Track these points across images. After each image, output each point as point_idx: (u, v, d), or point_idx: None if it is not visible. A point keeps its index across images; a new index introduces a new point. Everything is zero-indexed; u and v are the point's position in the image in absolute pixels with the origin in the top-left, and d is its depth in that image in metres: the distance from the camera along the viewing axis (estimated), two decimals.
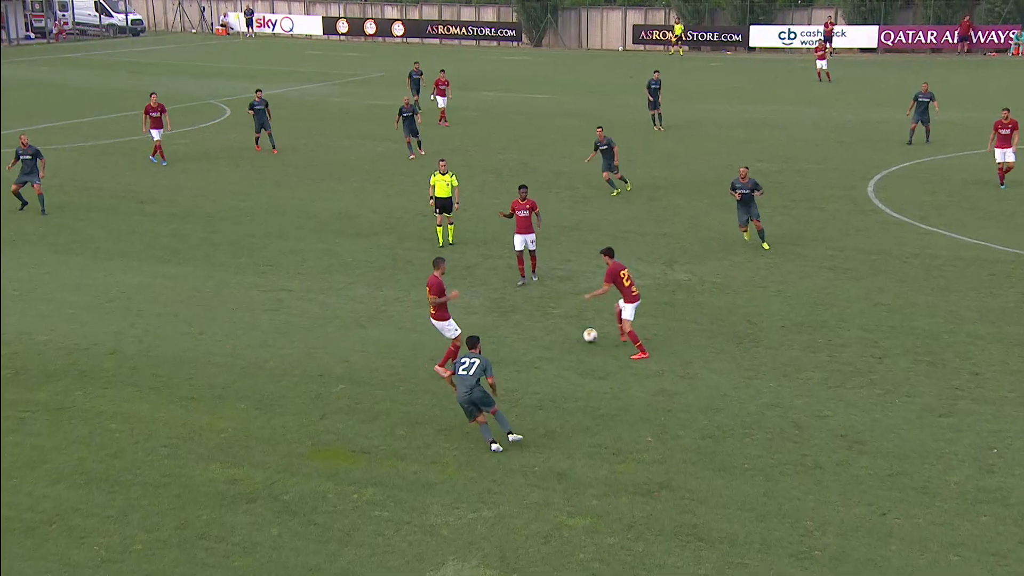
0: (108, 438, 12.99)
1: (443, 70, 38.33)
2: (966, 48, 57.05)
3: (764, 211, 24.62)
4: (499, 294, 18.71)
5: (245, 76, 50.91)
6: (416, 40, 71.27)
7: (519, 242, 19.14)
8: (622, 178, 26.34)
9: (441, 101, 36.96)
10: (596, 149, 25.73)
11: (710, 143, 33.21)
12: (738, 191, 21.09)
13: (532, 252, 19.32)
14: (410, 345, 16.37)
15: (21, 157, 24.16)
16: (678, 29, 61.93)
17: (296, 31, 74.31)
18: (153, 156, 29.55)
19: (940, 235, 22.06)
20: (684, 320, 17.35)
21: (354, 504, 11.62)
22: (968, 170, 28.06)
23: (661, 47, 64.27)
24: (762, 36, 61.83)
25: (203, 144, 32.97)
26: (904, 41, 58.71)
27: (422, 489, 11.96)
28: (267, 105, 31.08)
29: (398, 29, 71.93)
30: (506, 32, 69.40)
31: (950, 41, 57.75)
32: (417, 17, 72.71)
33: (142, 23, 74.05)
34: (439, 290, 14.87)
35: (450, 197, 21.58)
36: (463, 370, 12.99)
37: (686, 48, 62.15)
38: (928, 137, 31.65)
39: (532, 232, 19.14)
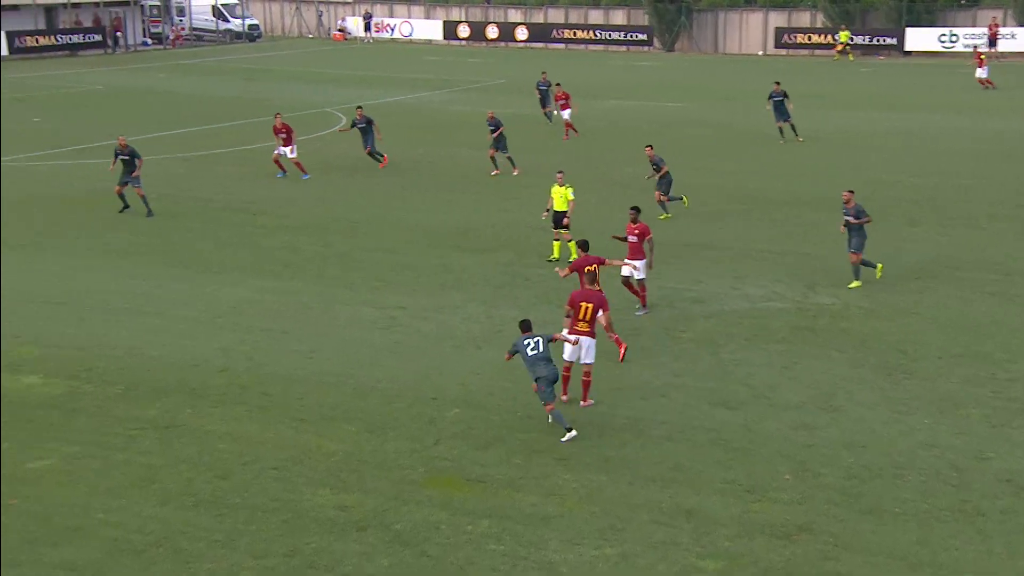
0: (216, 459, 13.38)
1: (559, 84, 38.45)
2: None
3: (919, 229, 23.82)
4: (623, 315, 18.60)
5: (361, 83, 52.12)
6: (540, 45, 71.76)
7: (624, 269, 18.74)
8: (670, 199, 25.20)
9: (565, 114, 37.00)
10: (655, 169, 25.13)
11: (858, 154, 32.41)
12: (844, 217, 19.94)
13: (640, 281, 18.75)
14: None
15: (119, 157, 25.52)
16: (844, 36, 60.64)
17: (415, 36, 75.71)
18: (282, 172, 30.20)
19: None
20: (827, 347, 16.93)
21: (468, 536, 11.67)
22: None
23: (806, 51, 63.13)
24: (920, 39, 60.13)
25: (317, 154, 33.80)
26: None
27: (540, 523, 11.94)
28: (370, 122, 31.28)
29: (521, 33, 72.57)
30: (636, 36, 69.26)
31: None
32: (542, 20, 73.22)
33: (259, 28, 76.60)
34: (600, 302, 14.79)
35: (566, 211, 21.61)
36: (532, 351, 13.96)
37: (856, 53, 60.71)
38: None
39: (641, 259, 18.56)
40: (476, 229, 24.67)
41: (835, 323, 18.03)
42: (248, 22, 75.23)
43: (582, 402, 14.86)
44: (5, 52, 57.62)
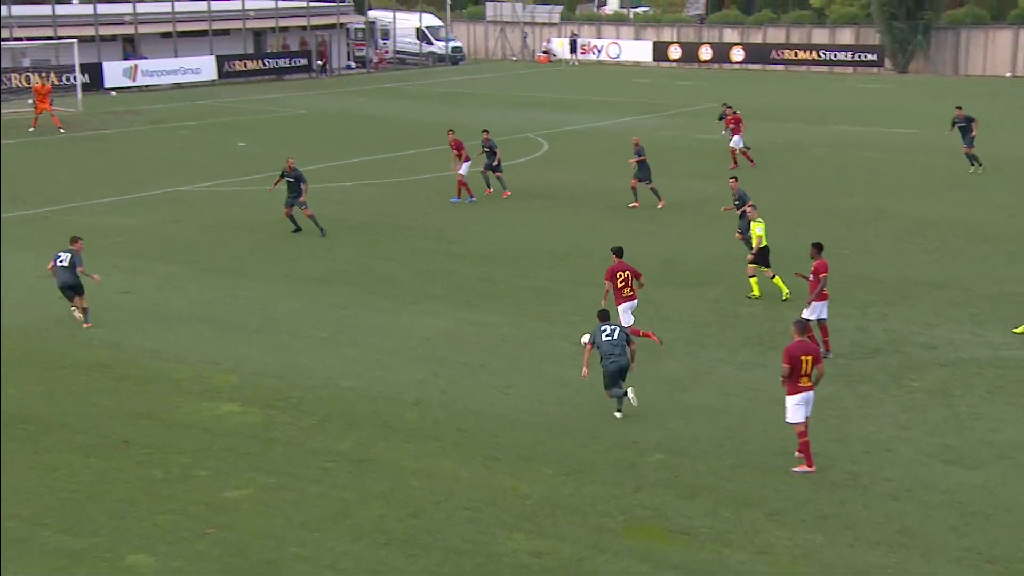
0: (409, 495, 13.66)
1: (730, 105, 37.50)
2: None
3: None
4: (844, 360, 17.97)
5: (566, 107, 52.72)
6: (757, 66, 70.86)
7: (805, 311, 18.21)
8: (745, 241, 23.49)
9: (735, 140, 35.86)
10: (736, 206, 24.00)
11: None
12: None
13: (821, 322, 18.17)
14: (738, 413, 16.04)
15: (285, 178, 26.80)
16: None
17: (623, 58, 76.11)
18: (457, 196, 30.95)
19: None
20: None
21: None
22: None
23: None
24: None
25: (518, 181, 34.29)
26: None
27: None
28: (494, 146, 31.07)
29: (737, 54, 71.85)
30: (865, 56, 67.41)
31: None
32: (760, 40, 72.33)
33: (462, 51, 78.73)
34: (786, 357, 14.13)
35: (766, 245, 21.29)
36: (607, 336, 15.44)
37: None
38: None
39: (825, 299, 18.15)
40: (682, 262, 24.43)
41: None
42: (451, 45, 77.38)
43: (798, 468, 14.20)
44: (215, 76, 61.26)
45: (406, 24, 76.02)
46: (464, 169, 30.75)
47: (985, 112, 45.64)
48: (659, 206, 29.69)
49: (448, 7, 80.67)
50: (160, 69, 59.15)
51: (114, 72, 56.61)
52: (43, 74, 48.12)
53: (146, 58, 59.51)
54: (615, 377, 15.40)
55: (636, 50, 75.95)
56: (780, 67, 69.99)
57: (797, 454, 14.31)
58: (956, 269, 23.05)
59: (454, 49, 77.56)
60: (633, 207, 29.98)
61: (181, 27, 61.15)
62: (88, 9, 60.52)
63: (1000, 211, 28.43)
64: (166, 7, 64.31)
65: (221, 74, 61.81)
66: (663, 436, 15.29)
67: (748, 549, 12.27)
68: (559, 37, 79.13)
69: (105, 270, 23.43)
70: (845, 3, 69.70)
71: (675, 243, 26.19)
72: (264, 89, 60.00)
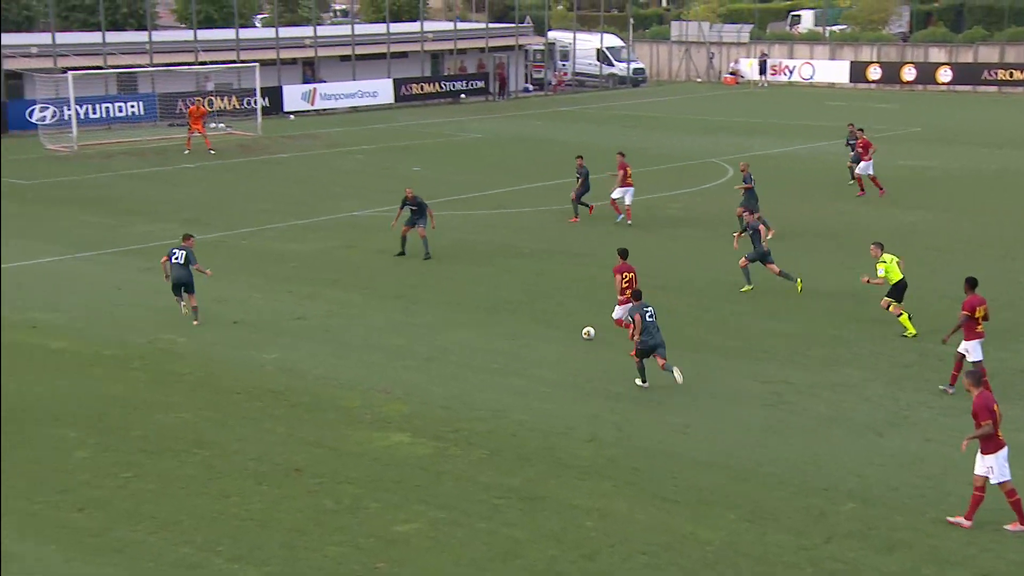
0: (582, 536, 13.65)
1: (861, 129, 36.49)
2: None
3: None
4: None
5: (753, 131, 52.07)
6: (966, 88, 68.52)
7: (961, 346, 18.04)
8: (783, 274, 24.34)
9: (862, 166, 34.95)
10: (744, 230, 24.60)
11: None
12: None
13: (974, 363, 17.87)
14: (940, 461, 15.47)
15: (407, 207, 27.52)
16: None
17: (817, 79, 74.73)
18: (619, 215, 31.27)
19: None
20: None
21: None
22: None
23: None
24: None
25: (697, 208, 34.07)
26: None
27: None
28: (587, 174, 31.53)
29: (944, 75, 69.65)
30: None
31: None
32: (970, 60, 69.91)
33: (644, 72, 78.73)
34: (986, 413, 13.48)
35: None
36: (650, 318, 18.63)
37: None
38: None
39: (974, 339, 17.95)
40: (877, 297, 23.72)
41: None
42: (633, 66, 77.48)
43: (1010, 525, 13.57)
44: (391, 99, 63.00)
45: (586, 45, 76.51)
46: (617, 192, 31.53)
47: None
48: (769, 235, 29.25)
49: (631, 27, 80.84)
50: (338, 92, 61.15)
51: (293, 95, 58.82)
52: (199, 98, 50.28)
53: (325, 81, 61.65)
54: (648, 352, 18.47)
55: (831, 71, 74.43)
56: (993, 88, 67.43)
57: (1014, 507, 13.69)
58: None
59: (636, 71, 77.61)
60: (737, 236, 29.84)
61: (360, 50, 63.12)
62: (270, 32, 63.16)
63: None
64: (345, 30, 66.55)
65: (398, 97, 63.47)
66: (856, 484, 14.87)
67: None
68: (748, 57, 78.28)
69: (279, 295, 24.35)
70: None
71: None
72: (440, 112, 61.33)
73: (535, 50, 74.78)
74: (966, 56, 70.21)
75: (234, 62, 56.10)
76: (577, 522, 13.98)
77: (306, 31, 64.74)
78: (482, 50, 70.02)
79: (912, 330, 21.28)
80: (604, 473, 15.43)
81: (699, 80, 79.90)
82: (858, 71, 73.04)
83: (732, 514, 14.12)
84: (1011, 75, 67.44)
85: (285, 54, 60.46)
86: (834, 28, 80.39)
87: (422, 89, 65.06)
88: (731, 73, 78.44)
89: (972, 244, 29.15)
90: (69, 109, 46.33)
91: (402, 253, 27.69)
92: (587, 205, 32.15)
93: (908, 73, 70.98)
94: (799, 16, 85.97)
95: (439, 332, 22.01)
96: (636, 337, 18.45)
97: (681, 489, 14.88)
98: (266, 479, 15.25)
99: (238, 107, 54.27)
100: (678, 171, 40.47)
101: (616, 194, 31.78)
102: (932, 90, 69.05)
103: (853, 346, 20.75)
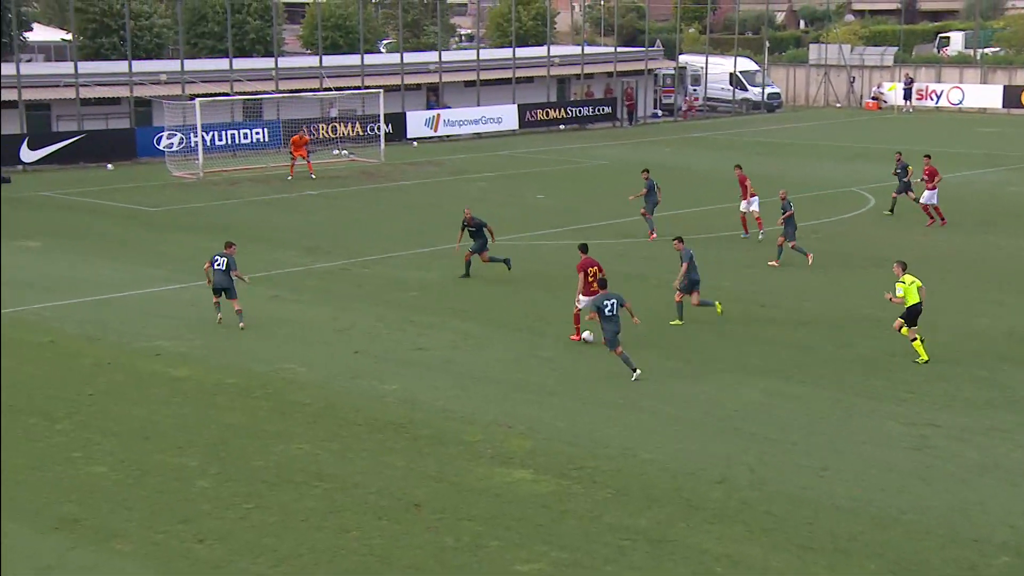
0: None
1: (928, 156, 36.05)
2: None
3: None
4: None
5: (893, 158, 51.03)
6: None
7: None
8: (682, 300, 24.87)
9: (927, 195, 34.90)
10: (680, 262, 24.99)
11: None
12: None
13: None
14: None
15: (467, 229, 28.76)
16: None
17: (966, 104, 73.06)
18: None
19: None
20: None
21: None
22: None
23: None
24: None
25: (837, 240, 33.50)
26: None
27: None
28: (654, 186, 33.31)
29: None
30: None
31: None
32: None
33: (779, 97, 77.92)
34: None
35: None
36: (609, 311, 20.61)
37: None
38: None
39: None
40: None
41: None
42: (768, 90, 76.77)
43: None
44: (516, 126, 63.51)
45: (719, 69, 76.09)
46: (743, 206, 33.10)
47: None
48: (808, 260, 29.69)
49: (766, 50, 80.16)
50: (461, 118, 61.89)
51: (416, 122, 59.72)
52: (303, 128, 51.16)
53: (449, 107, 62.47)
54: (613, 342, 20.84)
55: (982, 95, 72.63)
56: None
57: None
58: None
59: (771, 95, 76.87)
60: (773, 265, 30.12)
61: (485, 75, 63.84)
62: (395, 58, 64.33)
63: None
64: (470, 55, 67.39)
65: (522, 123, 63.94)
66: (1010, 535, 14.39)
67: None
68: (891, 81, 76.88)
69: (400, 325, 24.67)
70: None
71: None
72: (566, 139, 61.57)
73: (665, 74, 74.62)
74: None
75: (358, 88, 57.22)
76: (707, 567, 13.80)
77: (431, 56, 65.75)
78: (610, 75, 70.16)
79: (924, 356, 21.52)
80: (736, 517, 15.21)
81: (839, 105, 78.73)
82: (1012, 96, 71.15)
83: (873, 564, 13.79)
84: None
85: (409, 80, 61.46)
86: (986, 51, 78.48)
87: (547, 115, 65.44)
88: (873, 98, 77.12)
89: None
90: (195, 136, 47.81)
91: (466, 275, 28.73)
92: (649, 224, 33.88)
93: None
94: (948, 38, 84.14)
95: (564, 365, 22.03)
96: (592, 316, 21.00)
97: (818, 536, 14.59)
98: (386, 514, 15.41)
99: (361, 134, 55.31)
100: (816, 200, 39.87)
101: (743, 207, 33.09)
102: None
103: (1007, 389, 20.14)
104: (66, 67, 54.59)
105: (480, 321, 25.10)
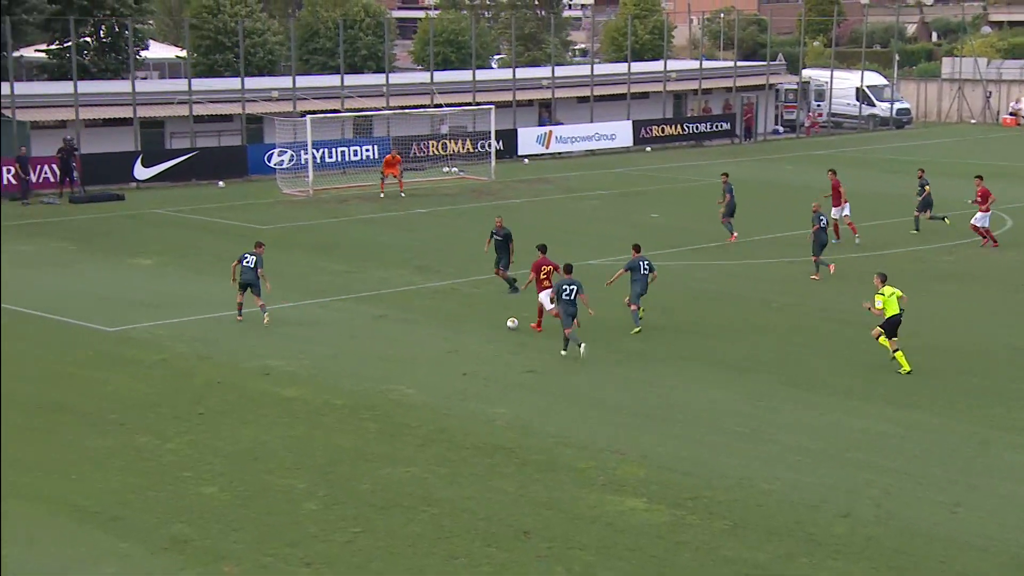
0: None
1: (980, 176, 35.89)
2: None
3: None
4: None
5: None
6: None
7: None
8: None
9: (979, 218, 34.59)
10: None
11: None
12: None
13: None
14: None
15: (494, 237, 29.29)
16: None
17: None
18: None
19: None
20: None
21: None
22: None
23: None
24: None
25: (970, 262, 32.78)
26: None
27: None
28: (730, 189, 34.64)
29: None
30: None
31: None
32: None
33: (909, 113, 76.54)
34: None
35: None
36: (567, 296, 23.46)
37: None
38: None
39: None
40: None
41: None
42: (897, 106, 75.46)
43: None
44: (630, 143, 63.42)
45: (845, 84, 75.02)
46: (835, 212, 35.01)
47: None
48: (831, 270, 30.55)
49: (895, 64, 78.82)
50: (574, 135, 61.98)
51: (528, 138, 59.97)
52: (394, 149, 51.41)
53: (561, 123, 62.64)
54: (567, 320, 23.50)
55: None
56: None
57: None
58: None
59: (900, 111, 75.52)
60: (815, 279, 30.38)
61: (599, 90, 63.91)
62: (506, 73, 64.76)
63: None
64: (584, 70, 67.49)
65: (637, 139, 63.79)
66: None
67: None
68: None
69: (510, 347, 24.76)
70: None
71: None
72: (682, 156, 61.27)
73: (787, 89, 73.82)
74: None
75: (469, 104, 57.70)
76: None
77: (543, 72, 66.02)
78: (729, 90, 69.67)
79: (906, 366, 22.36)
80: (861, 553, 14.94)
81: (973, 121, 77.04)
82: None
83: None
84: None
85: (521, 95, 61.77)
86: None
87: (663, 131, 65.18)
88: (1011, 114, 75.32)
89: None
90: (306, 153, 48.67)
91: (514, 291, 29.01)
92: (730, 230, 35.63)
93: None
94: None
95: (678, 391, 21.89)
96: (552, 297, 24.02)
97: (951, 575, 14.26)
98: (495, 541, 15.47)
99: (472, 150, 55.74)
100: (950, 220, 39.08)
101: (834, 213, 35.04)
102: None
103: None
104: (179, 84, 56.04)
105: (591, 344, 25.07)
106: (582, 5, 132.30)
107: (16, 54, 54.63)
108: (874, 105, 75.16)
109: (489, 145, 53.85)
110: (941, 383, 22.13)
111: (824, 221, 31.10)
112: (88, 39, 60.55)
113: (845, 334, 25.70)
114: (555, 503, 16.72)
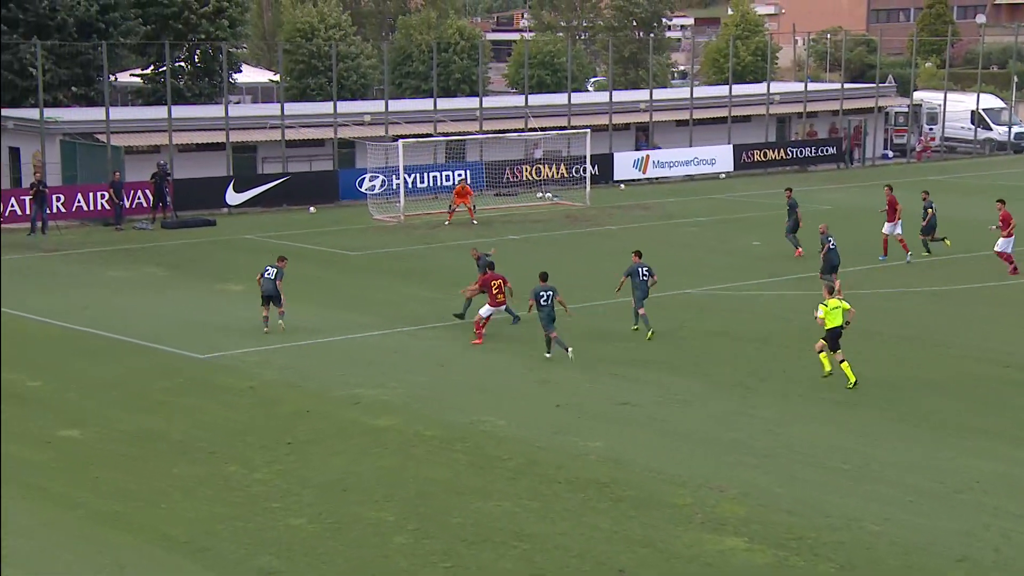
0: None
1: (1001, 201, 35.55)
2: None
3: None
4: None
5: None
6: None
7: None
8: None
9: (1001, 244, 34.61)
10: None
11: None
12: None
13: None
14: None
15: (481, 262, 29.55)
16: None
17: None
18: None
19: None
20: None
21: None
22: None
23: None
24: None
25: None
26: None
27: None
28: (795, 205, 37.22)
29: None
30: None
31: None
32: None
33: None
34: None
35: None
36: (544, 302, 25.72)
37: None
38: None
39: None
40: None
41: None
42: (1016, 130, 74.01)
43: None
44: (731, 167, 63.01)
45: (959, 106, 73.77)
46: (888, 228, 36.89)
47: None
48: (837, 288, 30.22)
49: (1014, 85, 77.35)
50: (672, 160, 61.74)
51: (624, 163, 59.86)
52: (461, 178, 51.38)
53: (659, 147, 62.47)
54: (547, 325, 25.77)
55: None
56: None
57: None
58: None
59: (1019, 135, 73.98)
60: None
61: (698, 114, 63.64)
62: (603, 97, 64.82)
63: None
64: (683, 93, 67.31)
65: (737, 164, 63.34)
66: None
67: None
68: None
69: (603, 378, 24.70)
70: None
71: None
72: (785, 181, 60.51)
73: (897, 112, 72.81)
74: None
75: (564, 128, 57.83)
76: None
77: (641, 95, 65.96)
78: (835, 112, 68.93)
79: (852, 377, 23.40)
80: None
81: None
82: None
83: None
84: None
85: (618, 119, 61.73)
86: None
87: (765, 156, 64.64)
88: None
89: None
90: (397, 178, 49.14)
91: (517, 318, 28.94)
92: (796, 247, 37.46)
93: None
94: None
95: (782, 426, 21.64)
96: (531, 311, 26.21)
97: None
98: None
99: (566, 176, 55.79)
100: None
101: (886, 228, 37.22)
102: None
103: None
104: (272, 108, 57.01)
105: (688, 375, 24.91)
106: (682, 26, 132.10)
107: (111, 78, 56.01)
108: (990, 129, 73.77)
109: (584, 170, 53.87)
110: None
111: (832, 242, 31.79)
112: (183, 63, 61.91)
113: (957, 367, 25.23)
114: (651, 541, 16.60)
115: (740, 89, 68.09)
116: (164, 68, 55.59)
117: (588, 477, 19.09)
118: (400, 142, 48.73)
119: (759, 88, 69.07)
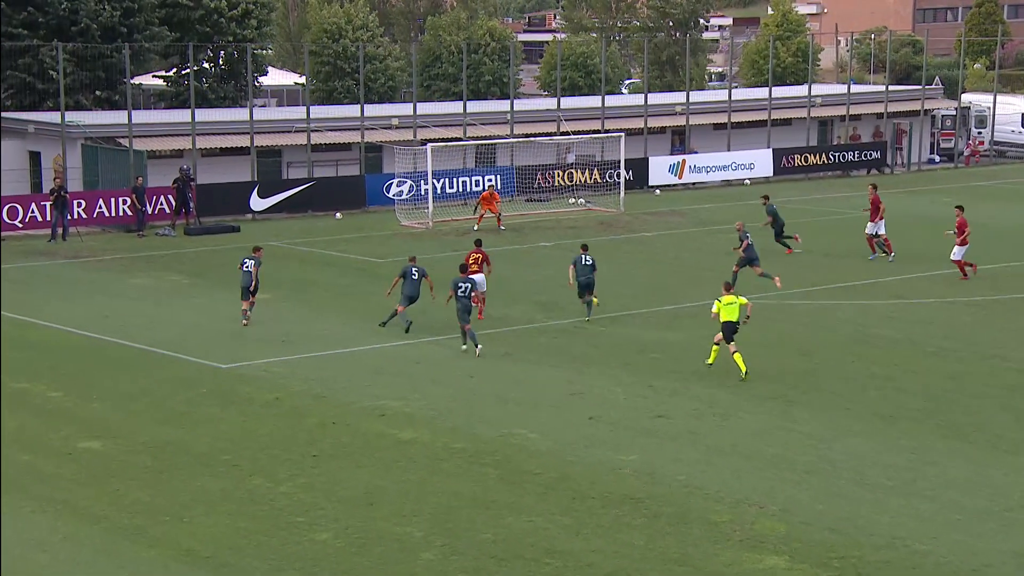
0: None
1: (960, 207, 35.32)
2: None
3: None
4: None
5: None
6: None
7: None
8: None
9: (956, 252, 34.75)
10: None
11: None
12: None
13: None
14: None
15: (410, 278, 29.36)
16: None
17: None
18: None
19: None
20: None
21: None
22: None
23: None
24: None
25: None
26: None
27: None
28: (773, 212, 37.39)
29: None
30: None
31: None
32: None
33: None
34: None
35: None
36: (462, 293, 27.06)
37: None
38: None
39: None
40: None
41: None
42: None
43: None
44: (770, 172, 62.80)
45: (1010, 109, 73.31)
46: (870, 228, 38.12)
47: None
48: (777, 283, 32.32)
49: None
50: (709, 164, 61.55)
51: (659, 168, 59.72)
52: (490, 184, 51.26)
53: (696, 152, 62.30)
54: (462, 317, 27.14)
55: None
56: None
57: None
58: None
59: None
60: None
61: (737, 117, 63.45)
62: (637, 99, 64.74)
63: None
64: (721, 95, 67.13)
65: (777, 169, 63.09)
66: None
67: None
68: None
69: (639, 390, 24.64)
70: None
71: None
72: (826, 187, 60.43)
73: (944, 115, 72.40)
74: None
75: (598, 132, 57.77)
76: None
77: (677, 97, 65.82)
78: (879, 116, 68.60)
79: (743, 368, 24.87)
80: None
81: None
82: None
83: None
84: None
85: (653, 122, 61.62)
86: None
87: (806, 160, 64.39)
88: None
89: None
90: (426, 183, 49.17)
91: (384, 324, 29.52)
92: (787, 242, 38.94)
93: None
94: None
95: (824, 441, 21.53)
96: (448, 302, 27.56)
97: None
98: None
99: (599, 181, 55.73)
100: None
101: (869, 228, 38.47)
102: None
103: None
104: (298, 112, 57.18)
105: (727, 387, 24.80)
106: (720, 26, 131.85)
107: (135, 81, 56.34)
108: None
109: (618, 175, 53.83)
110: None
111: (750, 238, 33.94)
112: (207, 65, 62.20)
113: (1008, 380, 25.02)
114: (688, 559, 16.53)
115: (780, 91, 67.84)
116: (187, 70, 55.85)
117: (622, 492, 19.03)
118: (429, 146, 48.79)
119: (800, 90, 68.82)
